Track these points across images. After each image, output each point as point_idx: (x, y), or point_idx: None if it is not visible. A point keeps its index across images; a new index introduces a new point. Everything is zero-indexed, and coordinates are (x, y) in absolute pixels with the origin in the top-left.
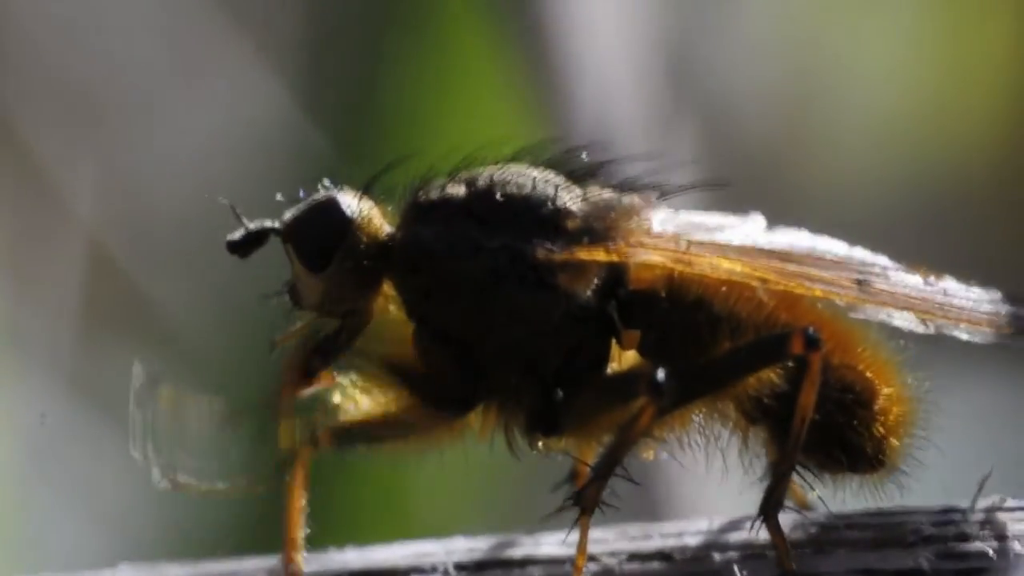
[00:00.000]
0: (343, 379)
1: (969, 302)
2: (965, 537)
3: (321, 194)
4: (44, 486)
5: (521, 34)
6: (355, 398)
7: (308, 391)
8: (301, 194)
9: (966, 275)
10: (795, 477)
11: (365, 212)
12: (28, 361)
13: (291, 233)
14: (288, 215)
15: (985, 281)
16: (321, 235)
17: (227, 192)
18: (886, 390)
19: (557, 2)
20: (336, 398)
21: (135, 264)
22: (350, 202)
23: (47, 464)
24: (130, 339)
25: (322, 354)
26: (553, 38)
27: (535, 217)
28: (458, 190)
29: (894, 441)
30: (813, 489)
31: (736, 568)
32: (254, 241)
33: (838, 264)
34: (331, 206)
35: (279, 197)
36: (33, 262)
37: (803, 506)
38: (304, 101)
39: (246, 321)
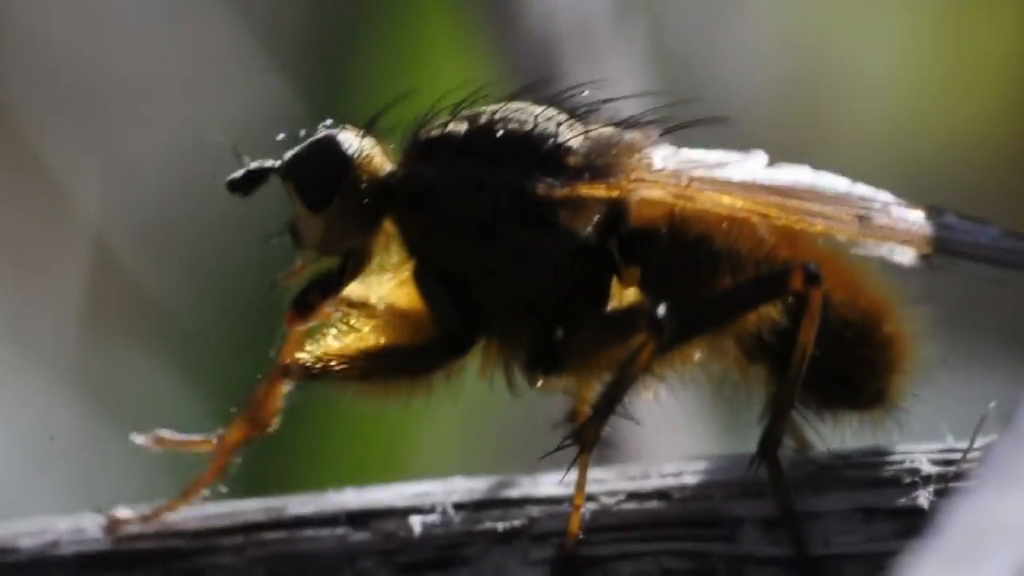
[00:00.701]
0: (339, 314)
1: (971, 237)
2: (964, 476)
3: (321, 133)
4: (47, 485)
5: None
6: (348, 334)
7: (306, 326)
8: (301, 134)
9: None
10: (795, 415)
11: (366, 150)
12: (32, 360)
13: (291, 172)
14: (288, 154)
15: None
16: (321, 173)
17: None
18: (887, 326)
19: None
20: (326, 332)
21: (140, 263)
22: (350, 140)
23: (50, 464)
24: (135, 338)
25: (321, 289)
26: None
27: (536, 154)
28: (459, 128)
29: (894, 378)
30: (812, 428)
31: (735, 507)
32: (254, 180)
33: (839, 200)
34: (331, 144)
35: (280, 136)
36: (38, 261)
37: (802, 445)
38: (306, 93)
39: (253, 319)
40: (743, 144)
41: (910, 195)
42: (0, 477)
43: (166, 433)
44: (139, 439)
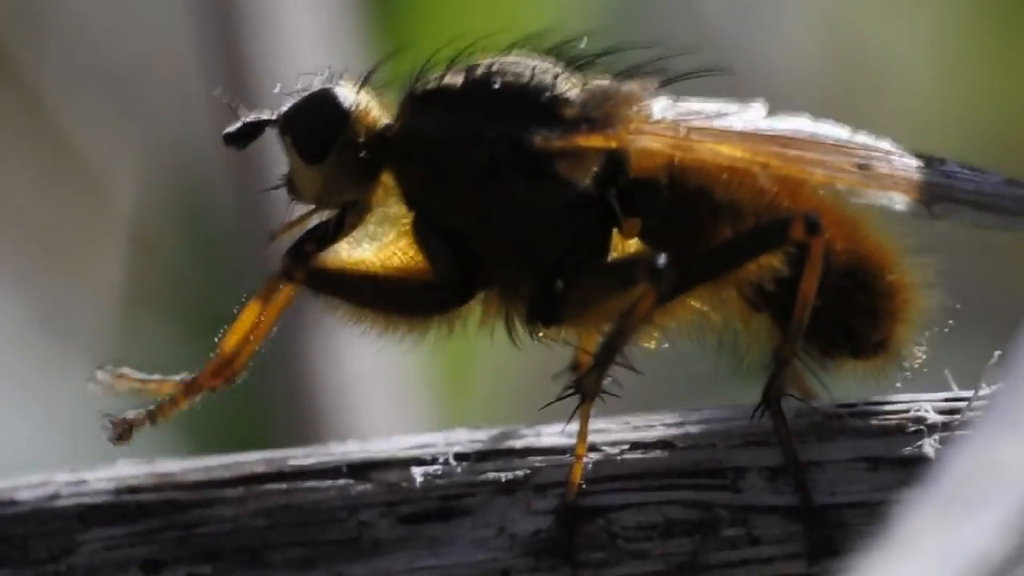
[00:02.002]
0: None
1: (973, 184)
2: (969, 424)
3: (318, 85)
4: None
5: None
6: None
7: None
8: (298, 85)
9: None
10: (798, 365)
11: (363, 103)
12: (69, 345)
13: (287, 125)
14: (284, 106)
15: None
16: (318, 127)
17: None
18: (889, 275)
19: None
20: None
21: (177, 246)
22: (347, 93)
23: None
24: (172, 322)
25: (317, 240)
26: None
27: (533, 105)
28: (456, 80)
29: (897, 327)
30: (817, 377)
31: (739, 456)
32: (250, 133)
33: (840, 149)
34: (328, 97)
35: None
36: (73, 245)
37: (806, 394)
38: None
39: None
40: (747, 96)
41: (916, 148)
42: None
43: (127, 371)
44: (99, 377)
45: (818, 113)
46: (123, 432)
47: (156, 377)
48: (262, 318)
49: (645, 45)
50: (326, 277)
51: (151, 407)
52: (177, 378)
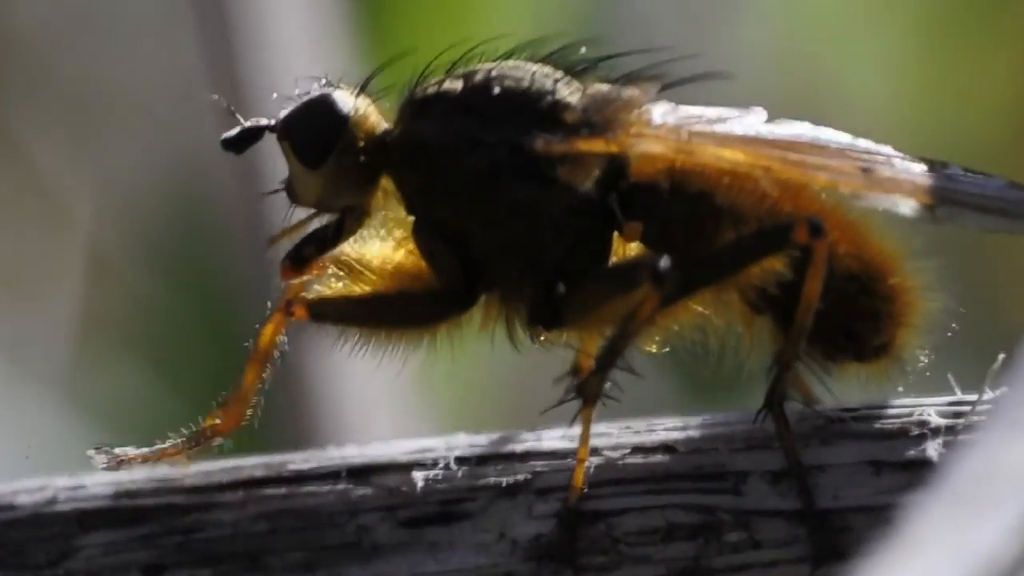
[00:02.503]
0: (337, 268)
1: (975, 188)
2: (973, 428)
3: (317, 91)
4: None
5: None
6: (350, 280)
7: (300, 280)
8: (296, 91)
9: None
10: (801, 368)
11: (361, 108)
12: (25, 373)
13: (287, 130)
14: (283, 111)
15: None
16: (317, 132)
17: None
18: (892, 279)
19: None
20: (326, 275)
21: (135, 275)
22: (346, 98)
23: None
24: (130, 351)
25: (317, 244)
26: None
27: (534, 111)
28: (456, 85)
29: (900, 331)
30: (820, 380)
31: (741, 460)
32: (249, 138)
33: (842, 153)
34: (327, 102)
35: (274, 95)
36: (32, 272)
37: (809, 398)
38: None
39: (250, 334)
40: (743, 103)
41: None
42: None
43: (129, 451)
44: (99, 460)
45: None
46: (115, 464)
47: (159, 447)
48: (264, 355)
49: (645, 50)
50: (327, 308)
51: (150, 451)
52: (176, 440)
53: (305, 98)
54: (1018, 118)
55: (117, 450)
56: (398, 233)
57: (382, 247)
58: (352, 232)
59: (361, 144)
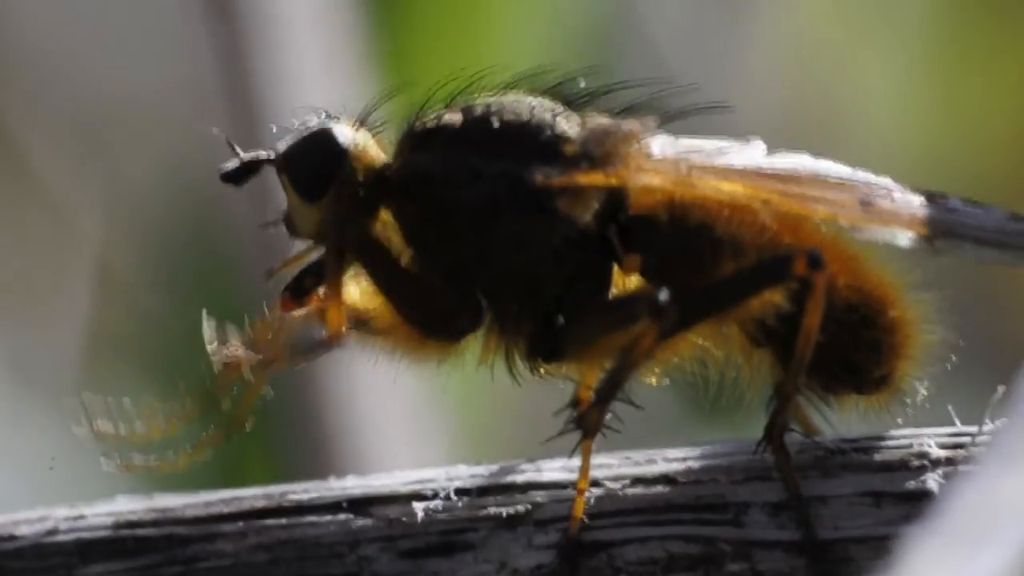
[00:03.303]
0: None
1: (975, 220)
2: (973, 460)
3: (315, 123)
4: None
5: None
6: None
7: (299, 311)
8: (295, 122)
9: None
10: (801, 400)
11: (361, 141)
12: (33, 389)
13: (285, 163)
14: (282, 144)
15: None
16: (316, 165)
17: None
18: (892, 311)
19: None
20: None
21: (144, 290)
22: (345, 131)
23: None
24: (138, 367)
25: (316, 275)
26: None
27: (533, 143)
28: (455, 118)
29: (900, 363)
30: (819, 412)
31: (741, 491)
32: (248, 172)
33: (841, 185)
34: (326, 136)
35: (273, 128)
36: (40, 289)
37: (809, 429)
38: None
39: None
40: (743, 134)
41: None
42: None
43: (136, 458)
44: (109, 466)
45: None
46: (122, 468)
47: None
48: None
49: (644, 83)
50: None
51: (154, 459)
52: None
53: (304, 131)
54: None
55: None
56: (397, 265)
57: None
58: (351, 263)
59: (360, 177)
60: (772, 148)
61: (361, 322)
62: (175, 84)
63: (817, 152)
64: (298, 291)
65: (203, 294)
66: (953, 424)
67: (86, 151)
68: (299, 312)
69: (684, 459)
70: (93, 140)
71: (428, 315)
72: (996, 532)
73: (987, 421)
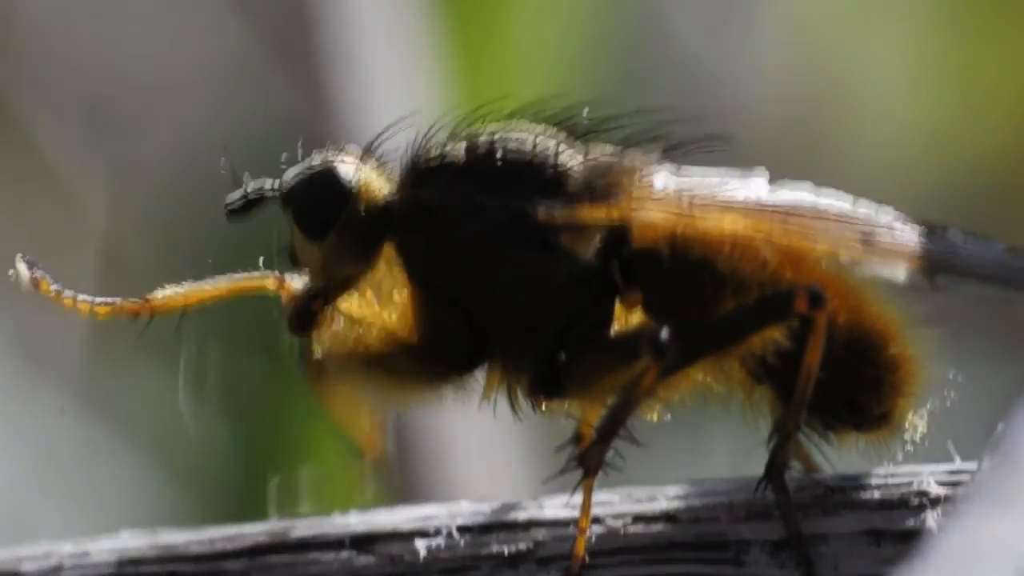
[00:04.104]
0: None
1: (975, 255)
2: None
3: (319, 161)
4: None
5: None
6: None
7: (309, 332)
8: (300, 153)
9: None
10: (801, 438)
11: (364, 177)
12: (39, 373)
13: (289, 200)
14: (287, 178)
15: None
16: (320, 206)
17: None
18: (892, 348)
19: None
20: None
21: (149, 274)
22: (348, 170)
23: (56, 481)
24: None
25: (324, 296)
26: None
27: (536, 177)
28: (458, 151)
29: (901, 400)
30: (819, 450)
31: (742, 529)
32: (252, 206)
33: (842, 220)
34: (329, 176)
35: (282, 163)
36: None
37: (809, 467)
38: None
39: (261, 333)
40: (747, 164)
41: (918, 217)
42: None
43: (49, 280)
44: (20, 271)
45: (793, 148)
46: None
47: (71, 293)
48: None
49: (646, 115)
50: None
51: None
52: (92, 299)
53: (308, 170)
54: None
55: (39, 273)
56: (399, 298)
57: (383, 311)
58: (356, 288)
59: (364, 214)
60: (777, 137)
61: (357, 357)
62: (184, 66)
63: (826, 134)
64: (305, 315)
65: (210, 276)
66: (952, 461)
67: (93, 134)
68: (306, 334)
69: (685, 496)
70: (99, 123)
71: (430, 351)
72: (983, 572)
73: (986, 458)
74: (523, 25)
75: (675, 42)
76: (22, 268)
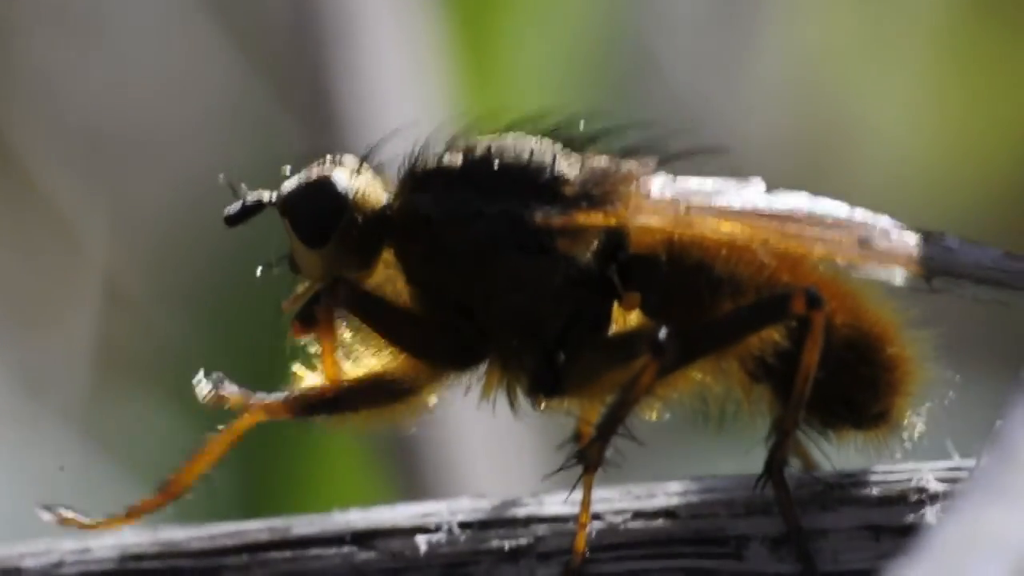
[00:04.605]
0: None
1: (972, 258)
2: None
3: (317, 170)
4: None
5: None
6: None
7: (310, 336)
8: (299, 164)
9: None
10: (800, 435)
11: (362, 185)
12: (42, 405)
13: (287, 209)
14: (285, 188)
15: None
16: (318, 214)
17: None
18: (889, 349)
19: None
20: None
21: (151, 307)
22: (346, 178)
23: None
24: (146, 383)
25: (324, 300)
26: None
27: (533, 184)
28: (456, 158)
29: (898, 399)
30: (818, 447)
31: (742, 525)
32: (249, 214)
33: (838, 224)
34: (327, 185)
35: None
36: (48, 305)
37: (808, 464)
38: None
39: (263, 362)
40: (742, 175)
41: (914, 224)
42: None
43: (71, 513)
44: (44, 516)
45: (792, 181)
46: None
47: (101, 519)
48: (224, 448)
49: (643, 125)
50: (311, 405)
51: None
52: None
53: (305, 180)
54: None
55: (63, 511)
56: (399, 303)
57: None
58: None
59: (362, 221)
60: (777, 169)
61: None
62: (184, 103)
63: (826, 167)
64: (309, 319)
65: (210, 310)
66: (951, 458)
67: (94, 169)
68: (309, 336)
69: (684, 493)
70: (101, 158)
71: (430, 353)
72: (981, 566)
73: (985, 455)
74: (523, 41)
75: (673, 75)
76: (49, 517)
